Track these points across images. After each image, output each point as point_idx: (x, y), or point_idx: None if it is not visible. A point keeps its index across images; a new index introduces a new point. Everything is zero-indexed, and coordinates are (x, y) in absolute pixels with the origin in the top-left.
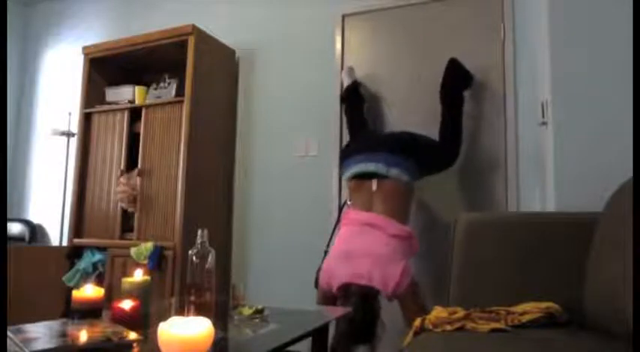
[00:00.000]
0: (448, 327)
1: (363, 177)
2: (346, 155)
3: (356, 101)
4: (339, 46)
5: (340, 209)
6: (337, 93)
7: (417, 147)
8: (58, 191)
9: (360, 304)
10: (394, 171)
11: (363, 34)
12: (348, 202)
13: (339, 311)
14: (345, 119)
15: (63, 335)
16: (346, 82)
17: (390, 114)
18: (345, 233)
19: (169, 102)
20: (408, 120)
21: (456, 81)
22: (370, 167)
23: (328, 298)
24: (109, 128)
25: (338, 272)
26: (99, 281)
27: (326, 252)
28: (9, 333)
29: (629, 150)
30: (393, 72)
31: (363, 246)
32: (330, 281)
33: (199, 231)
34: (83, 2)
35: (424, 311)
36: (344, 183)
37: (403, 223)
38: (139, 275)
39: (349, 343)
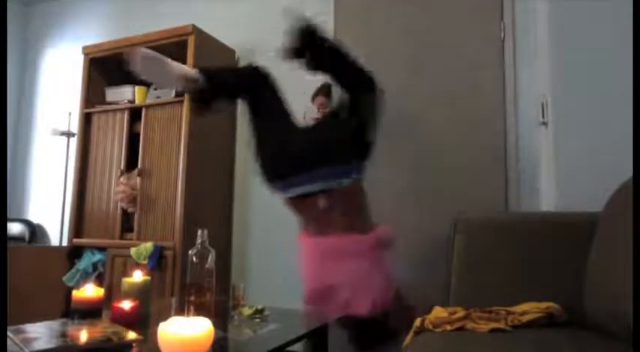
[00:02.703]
0: (448, 327)
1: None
2: (274, 174)
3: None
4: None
5: None
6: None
7: (357, 134)
8: (58, 191)
9: (361, 329)
10: (346, 181)
11: (358, 29)
12: None
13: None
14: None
15: (63, 335)
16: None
17: (385, 115)
18: (309, 265)
19: (169, 102)
20: (405, 109)
21: (309, 44)
22: (316, 187)
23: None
24: (109, 128)
25: (322, 311)
26: (99, 281)
27: None
28: (9, 333)
29: (629, 150)
30: (388, 62)
31: (336, 279)
32: (317, 317)
33: (199, 231)
34: (83, 2)
35: (411, 310)
36: None
37: (367, 229)
38: (138, 277)
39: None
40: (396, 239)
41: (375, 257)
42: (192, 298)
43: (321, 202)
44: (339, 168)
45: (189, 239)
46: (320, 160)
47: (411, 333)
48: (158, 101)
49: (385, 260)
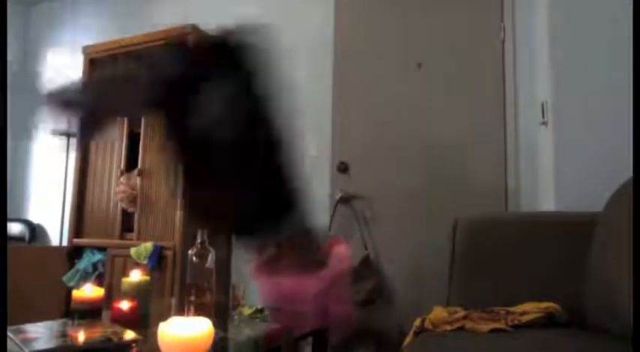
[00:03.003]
0: (448, 327)
1: None
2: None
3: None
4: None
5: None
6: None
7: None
8: (58, 191)
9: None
10: (286, 232)
11: (358, 33)
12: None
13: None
14: None
15: (63, 335)
16: None
17: (385, 116)
18: (267, 301)
19: None
20: (405, 110)
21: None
22: (258, 244)
23: None
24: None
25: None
26: (99, 282)
27: None
28: (9, 333)
29: (629, 150)
30: (388, 64)
31: (299, 313)
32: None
33: (199, 231)
34: (83, 2)
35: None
36: (335, 173)
37: (320, 264)
38: (136, 276)
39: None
40: (350, 257)
41: (331, 291)
42: (192, 298)
43: (268, 252)
44: (275, 228)
45: (189, 239)
46: (255, 229)
47: (411, 333)
48: None
49: (339, 289)
